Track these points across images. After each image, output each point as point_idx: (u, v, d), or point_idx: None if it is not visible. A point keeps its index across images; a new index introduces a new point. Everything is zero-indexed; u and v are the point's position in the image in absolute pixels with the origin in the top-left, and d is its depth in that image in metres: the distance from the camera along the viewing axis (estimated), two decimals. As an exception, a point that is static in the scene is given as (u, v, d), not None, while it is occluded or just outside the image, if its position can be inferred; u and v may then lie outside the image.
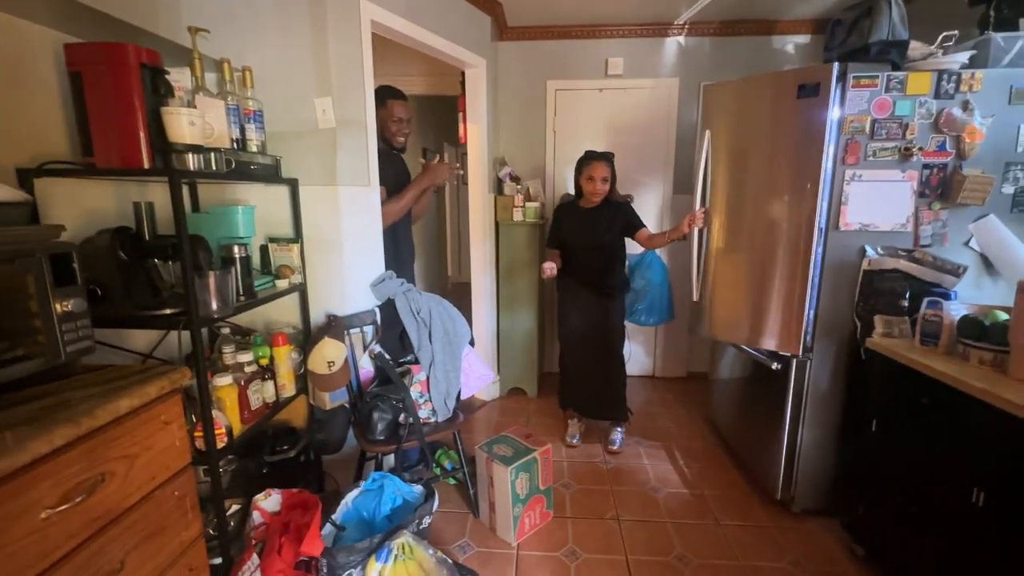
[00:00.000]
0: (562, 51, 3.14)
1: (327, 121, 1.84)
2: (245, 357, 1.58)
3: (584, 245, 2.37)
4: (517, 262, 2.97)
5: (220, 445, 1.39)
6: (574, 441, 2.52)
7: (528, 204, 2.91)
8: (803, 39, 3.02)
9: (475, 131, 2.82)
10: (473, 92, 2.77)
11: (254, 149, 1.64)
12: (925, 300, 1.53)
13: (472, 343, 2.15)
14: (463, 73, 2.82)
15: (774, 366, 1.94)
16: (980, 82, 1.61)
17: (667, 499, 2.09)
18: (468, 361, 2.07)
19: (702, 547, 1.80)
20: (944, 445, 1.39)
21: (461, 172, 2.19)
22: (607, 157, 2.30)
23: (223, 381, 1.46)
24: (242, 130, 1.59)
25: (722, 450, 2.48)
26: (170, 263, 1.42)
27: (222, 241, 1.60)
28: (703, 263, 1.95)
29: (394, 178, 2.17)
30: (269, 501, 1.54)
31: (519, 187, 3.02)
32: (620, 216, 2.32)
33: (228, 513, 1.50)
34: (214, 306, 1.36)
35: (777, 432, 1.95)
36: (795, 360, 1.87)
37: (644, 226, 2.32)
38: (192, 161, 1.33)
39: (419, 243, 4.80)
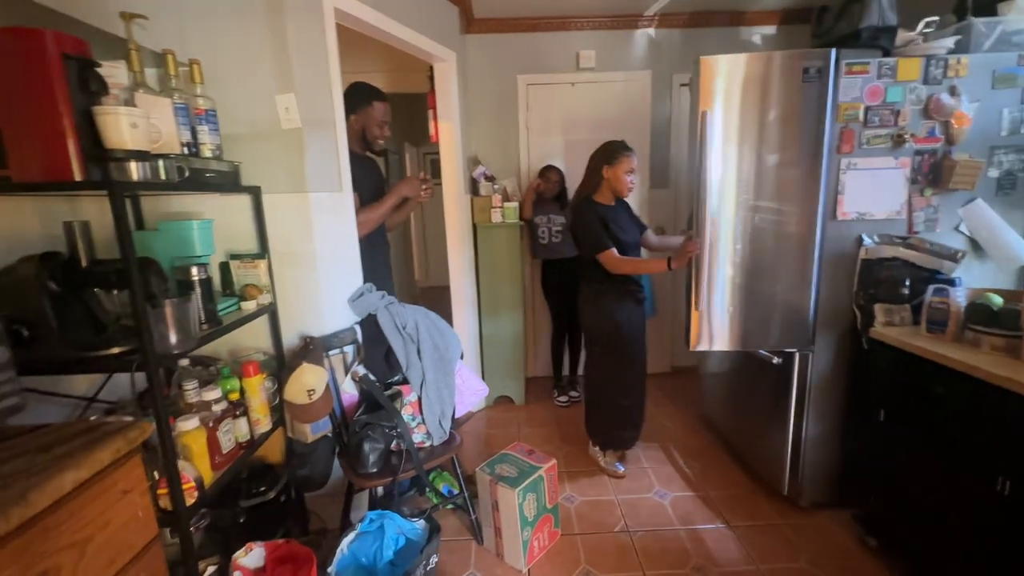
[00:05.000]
0: (532, 44, 3.02)
1: (291, 121, 1.64)
2: (212, 394, 1.37)
3: (632, 244, 2.13)
4: (498, 265, 2.84)
5: (190, 501, 1.19)
6: (622, 470, 2.24)
7: (507, 205, 2.78)
8: (769, 30, 3.04)
9: (447, 129, 2.66)
10: (443, 87, 2.61)
11: (208, 154, 1.43)
12: (931, 287, 1.52)
13: (461, 356, 2.00)
14: (431, 68, 2.65)
15: (775, 360, 1.91)
16: (966, 67, 1.62)
17: (674, 504, 2.02)
18: (461, 376, 1.93)
19: (718, 553, 1.74)
20: (959, 433, 1.37)
21: (428, 188, 1.99)
22: (631, 149, 2.09)
23: (188, 425, 1.25)
24: (193, 132, 1.38)
25: (720, 447, 2.45)
26: (115, 292, 1.19)
27: (176, 262, 1.38)
28: (703, 268, 1.79)
29: (368, 184, 1.99)
30: (251, 557, 1.34)
31: (495, 187, 2.89)
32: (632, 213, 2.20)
33: (203, 577, 1.30)
34: (173, 339, 1.16)
35: (781, 427, 1.92)
36: (797, 354, 1.84)
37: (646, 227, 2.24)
38: (136, 170, 1.12)
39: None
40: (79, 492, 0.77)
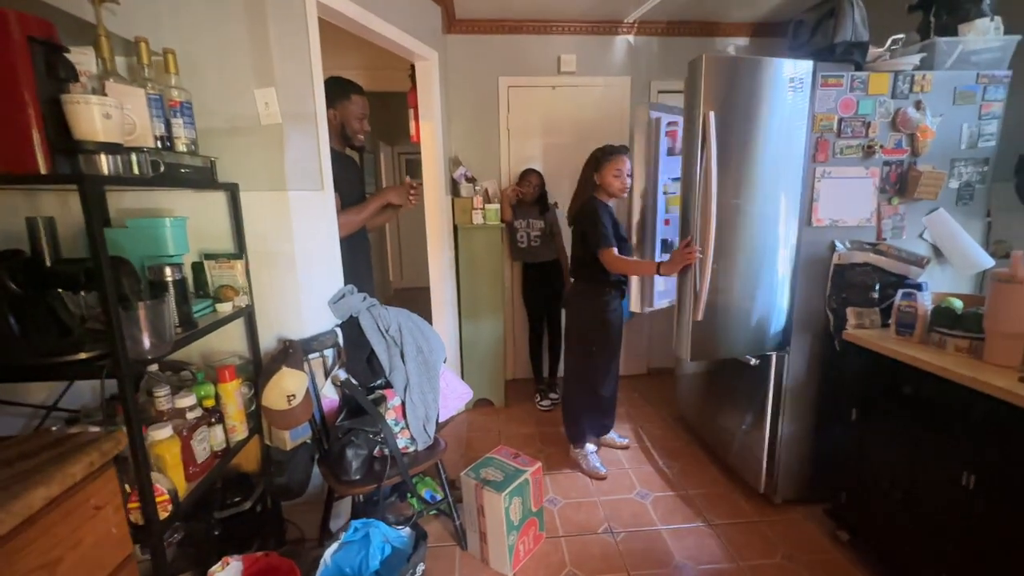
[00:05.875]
0: (514, 46, 3.02)
1: (271, 116, 1.58)
2: (186, 401, 1.30)
3: (628, 245, 2.21)
4: (479, 267, 2.82)
5: (164, 515, 1.12)
6: (603, 471, 2.26)
7: (488, 206, 2.76)
8: (743, 41, 3.14)
9: (429, 129, 2.62)
10: (425, 87, 2.58)
11: (183, 149, 1.36)
12: (900, 291, 1.60)
13: (444, 359, 1.98)
14: (412, 67, 2.61)
15: (753, 362, 1.96)
16: (930, 83, 1.71)
17: (655, 504, 2.05)
18: (445, 379, 1.90)
19: (699, 552, 1.77)
20: (927, 430, 1.45)
21: (416, 196, 2.02)
22: (624, 151, 2.14)
23: (161, 434, 1.18)
24: (167, 125, 1.31)
25: (697, 446, 2.50)
26: (82, 293, 1.12)
27: (147, 262, 1.31)
28: (705, 276, 1.72)
29: (348, 184, 1.95)
30: (227, 571, 1.28)
31: (476, 188, 2.87)
32: None
33: (176, 595, 1.23)
34: (147, 344, 1.09)
35: (758, 426, 1.98)
36: (774, 355, 1.89)
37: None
38: (108, 164, 1.06)
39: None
40: (49, 510, 0.72)
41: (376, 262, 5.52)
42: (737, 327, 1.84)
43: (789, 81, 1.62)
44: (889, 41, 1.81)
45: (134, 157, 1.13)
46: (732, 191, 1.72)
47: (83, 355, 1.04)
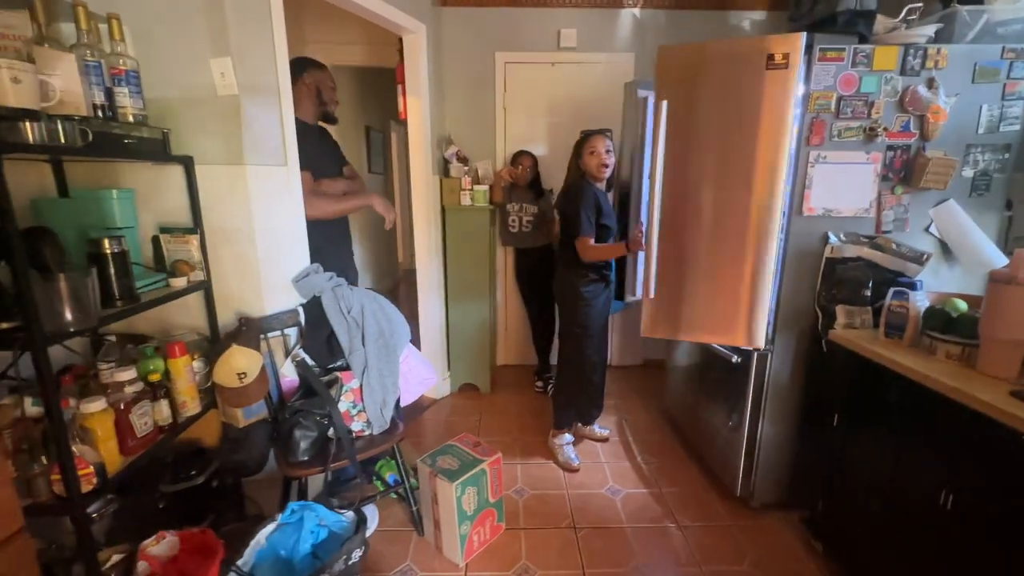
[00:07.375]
0: (511, 19, 2.89)
1: (227, 87, 1.53)
2: (125, 375, 1.29)
3: (614, 230, 2.14)
4: (466, 249, 2.75)
5: (87, 487, 1.12)
6: (577, 463, 2.21)
7: (476, 187, 2.68)
8: (759, 15, 2.92)
9: (416, 105, 2.54)
10: (412, 61, 2.49)
11: (130, 119, 1.33)
12: (891, 290, 1.45)
13: (409, 340, 1.93)
14: (401, 40, 2.52)
15: (735, 359, 1.85)
16: (946, 58, 1.53)
17: (625, 501, 1.98)
18: (408, 364, 1.86)
19: (662, 553, 1.70)
20: (909, 443, 1.32)
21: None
22: (604, 132, 2.08)
23: (93, 407, 1.18)
24: (109, 94, 1.28)
25: (680, 443, 2.40)
26: (6, 263, 1.11)
27: (92, 233, 1.29)
28: (651, 257, 1.77)
29: (323, 157, 1.92)
30: (161, 546, 1.28)
31: (467, 169, 2.78)
32: None
33: (107, 566, 1.24)
34: (68, 316, 1.08)
35: (738, 427, 1.87)
36: (756, 353, 1.78)
37: None
38: (29, 131, 1.03)
39: (367, 227, 4.47)
40: (-91, 483, 0.70)
41: (383, 243, 5.52)
42: (696, 310, 1.79)
43: (769, 60, 1.46)
44: (904, 11, 1.63)
45: (60, 125, 1.10)
46: (704, 177, 1.64)
47: (4, 325, 1.04)
